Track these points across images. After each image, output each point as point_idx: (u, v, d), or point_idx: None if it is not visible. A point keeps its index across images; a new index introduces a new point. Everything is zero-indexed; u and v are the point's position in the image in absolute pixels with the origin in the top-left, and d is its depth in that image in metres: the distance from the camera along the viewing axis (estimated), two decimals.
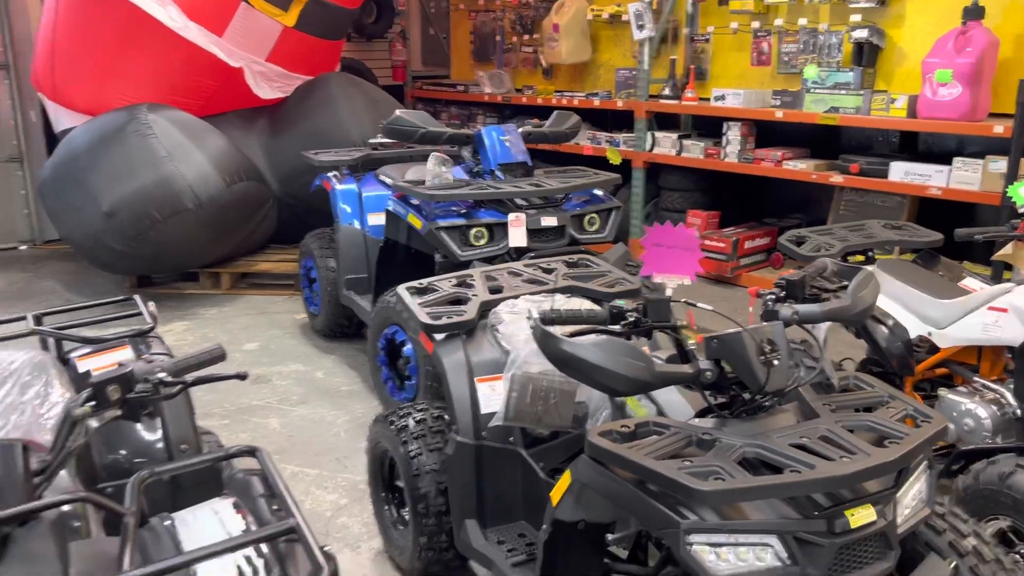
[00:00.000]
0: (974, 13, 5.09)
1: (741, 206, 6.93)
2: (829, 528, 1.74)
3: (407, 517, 2.79)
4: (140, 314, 2.46)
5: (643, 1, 6.56)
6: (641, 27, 6.60)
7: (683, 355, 2.05)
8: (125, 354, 2.29)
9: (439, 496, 2.64)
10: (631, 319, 2.00)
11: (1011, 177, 4.15)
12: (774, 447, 1.80)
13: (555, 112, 4.66)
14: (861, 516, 1.77)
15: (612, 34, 7.65)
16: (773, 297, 2.14)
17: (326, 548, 1.35)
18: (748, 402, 1.96)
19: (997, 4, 5.21)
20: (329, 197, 4.83)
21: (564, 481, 2.02)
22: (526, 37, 8.46)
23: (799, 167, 6.02)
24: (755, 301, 2.17)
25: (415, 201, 4.02)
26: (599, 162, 7.17)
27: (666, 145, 6.86)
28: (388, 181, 4.34)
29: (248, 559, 1.39)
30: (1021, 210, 2.82)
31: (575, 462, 1.98)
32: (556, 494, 2.04)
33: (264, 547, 1.42)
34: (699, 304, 2.02)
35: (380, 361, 3.98)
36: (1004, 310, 2.93)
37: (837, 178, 5.78)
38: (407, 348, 3.72)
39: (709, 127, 6.77)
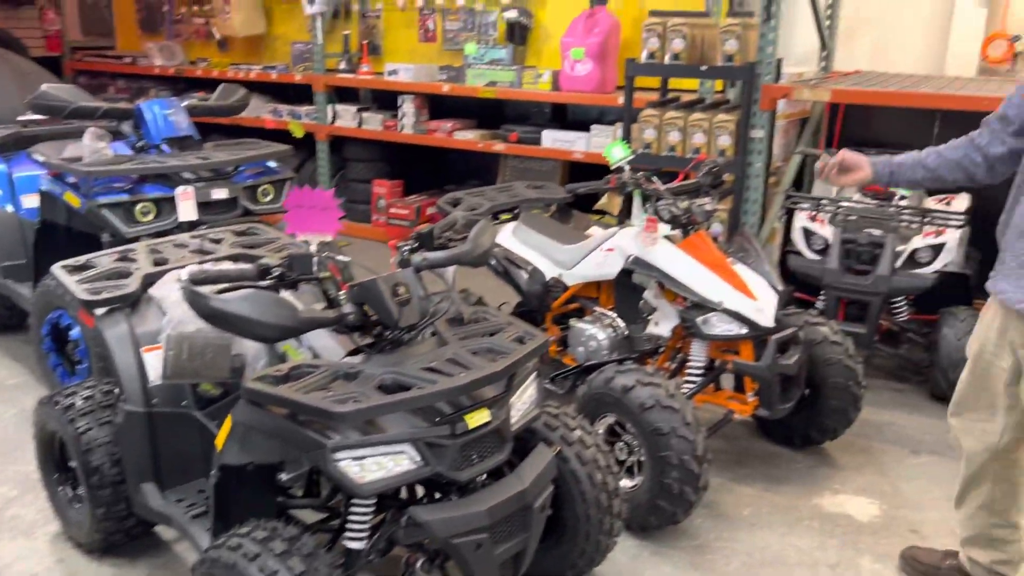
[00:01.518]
0: None
1: (424, 174, 7.36)
2: (452, 431, 2.12)
3: (83, 493, 2.80)
4: None
5: None
6: (311, 2, 6.72)
7: (330, 303, 2.32)
8: None
9: (113, 467, 2.69)
10: (277, 273, 2.23)
11: (625, 136, 4.92)
12: (407, 372, 2.14)
13: (221, 85, 4.68)
14: (477, 418, 2.17)
15: (287, 8, 7.66)
16: (408, 248, 2.47)
17: None
18: (388, 338, 2.27)
19: None
20: None
21: (226, 426, 2.21)
22: (196, 8, 8.17)
23: (467, 137, 6.55)
24: (395, 252, 2.49)
25: (72, 179, 3.88)
26: (282, 135, 7.23)
27: (347, 118, 7.08)
28: (41, 159, 4.11)
29: None
30: (612, 167, 3.44)
31: (235, 407, 2.18)
32: (220, 440, 2.23)
33: None
34: (338, 256, 2.29)
35: (46, 348, 3.82)
36: (612, 250, 3.56)
37: (500, 146, 6.38)
38: (74, 331, 3.62)
39: (386, 100, 7.08)
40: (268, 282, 2.22)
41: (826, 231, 4.35)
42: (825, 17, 5.34)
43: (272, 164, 4.38)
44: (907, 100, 4.31)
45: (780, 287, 3.39)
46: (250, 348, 2.50)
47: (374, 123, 6.95)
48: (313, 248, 2.30)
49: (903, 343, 4.44)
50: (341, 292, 2.27)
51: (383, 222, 7.00)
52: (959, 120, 5.25)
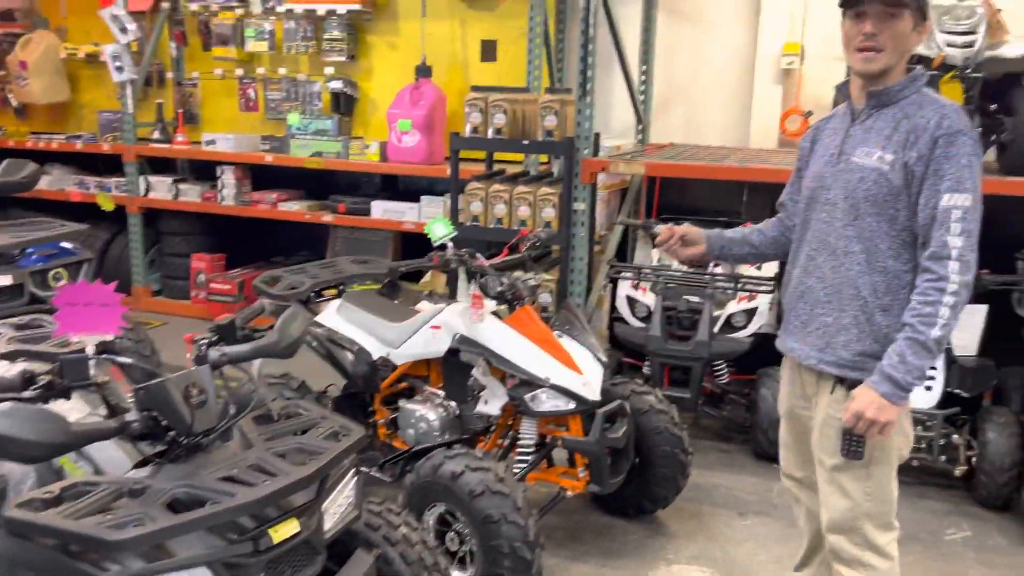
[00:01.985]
0: (424, 71, 5.89)
1: (248, 247, 7.04)
2: (255, 548, 1.91)
3: None
4: None
5: (120, 43, 6.31)
6: (120, 69, 6.35)
7: (112, 410, 2.07)
8: None
9: None
10: (43, 382, 1.96)
11: (453, 211, 4.89)
12: (202, 484, 1.92)
13: (6, 160, 4.26)
14: (285, 531, 1.97)
15: (93, 74, 7.22)
16: (205, 342, 2.26)
17: None
18: (182, 445, 2.04)
19: (443, 64, 6.11)
20: None
21: None
22: None
23: (293, 208, 6.34)
24: (191, 347, 2.28)
25: None
26: (90, 209, 6.73)
27: (162, 189, 6.68)
28: None
29: None
30: (435, 244, 3.37)
31: None
32: None
33: None
34: (119, 358, 2.05)
35: None
36: (439, 327, 3.46)
37: (328, 217, 6.21)
38: None
39: (205, 171, 6.76)
40: (33, 392, 1.95)
41: (648, 299, 4.47)
42: (639, 92, 5.60)
43: (67, 245, 4.01)
44: (714, 173, 4.54)
45: (605, 359, 3.41)
46: (15, 467, 2.19)
47: (192, 194, 6.60)
48: (90, 350, 2.06)
49: (726, 404, 4.59)
50: (127, 396, 2.04)
51: (203, 298, 6.60)
52: (764, 188, 5.68)
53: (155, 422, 2.01)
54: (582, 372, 3.24)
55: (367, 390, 3.69)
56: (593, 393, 3.22)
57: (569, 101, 4.61)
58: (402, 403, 3.59)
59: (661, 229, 2.70)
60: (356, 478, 2.32)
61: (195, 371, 2.09)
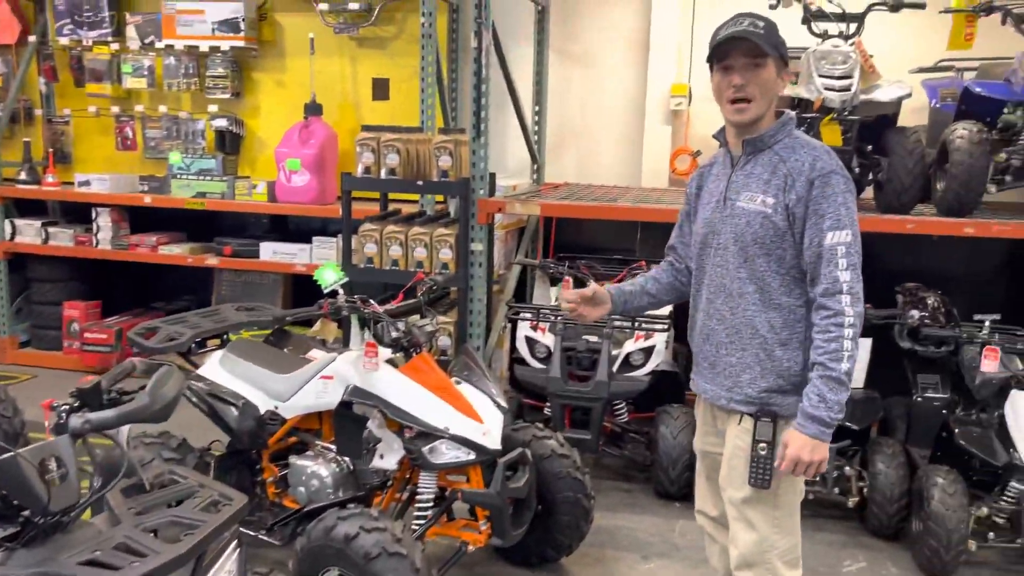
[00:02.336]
0: (314, 109, 5.74)
1: (127, 293, 6.64)
2: None
3: None
4: None
5: None
6: None
7: None
8: None
9: None
10: None
11: (346, 253, 4.74)
12: (61, 570, 1.71)
13: None
14: None
15: None
16: (66, 408, 2.05)
17: None
18: (39, 526, 1.82)
19: (333, 102, 5.98)
20: None
21: None
22: None
23: (175, 251, 6.02)
24: (49, 414, 2.05)
25: None
26: None
27: (30, 233, 6.24)
28: None
29: None
30: (326, 290, 3.22)
31: None
32: None
33: None
34: None
35: None
36: (330, 377, 3.30)
37: (213, 260, 5.92)
38: None
39: (79, 213, 6.35)
40: None
41: (547, 339, 4.42)
42: (533, 133, 5.61)
43: None
44: (607, 213, 4.57)
45: (506, 404, 3.32)
46: None
47: (63, 238, 6.19)
48: None
49: (627, 444, 4.57)
50: None
51: (77, 349, 6.17)
52: (657, 227, 5.76)
53: (4, 502, 1.79)
54: (482, 420, 3.14)
55: (254, 447, 3.48)
56: (494, 442, 3.12)
57: (463, 141, 4.56)
58: (292, 459, 3.39)
59: (567, 299, 2.64)
60: (238, 551, 2.14)
61: (53, 442, 1.87)
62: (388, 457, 3.19)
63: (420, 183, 4.58)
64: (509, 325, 4.80)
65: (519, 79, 5.61)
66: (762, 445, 2.29)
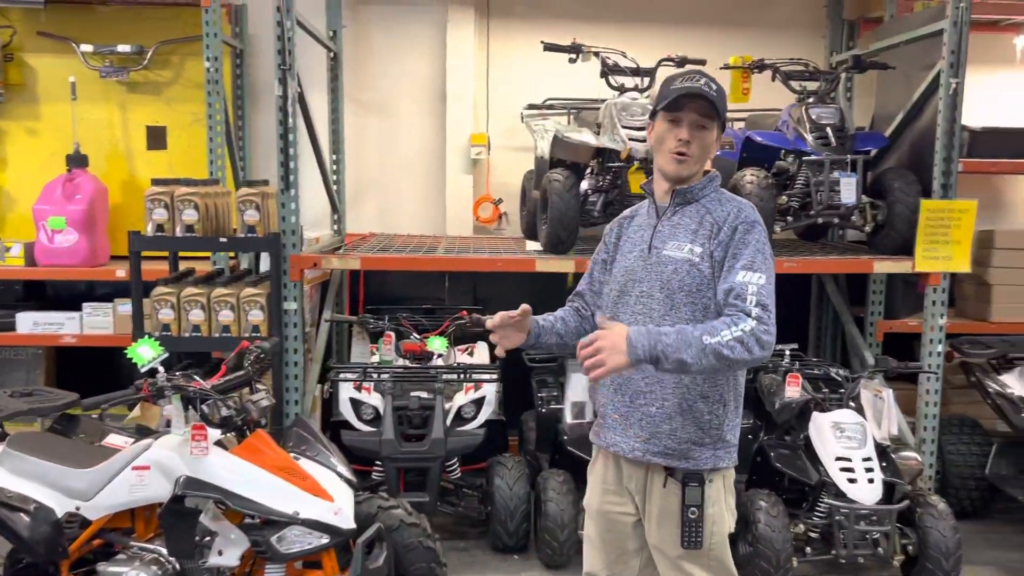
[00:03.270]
0: (78, 161, 5.11)
1: None
2: None
3: None
4: None
5: None
6: None
7: None
8: None
9: None
10: None
11: (137, 319, 4.22)
12: None
13: None
14: None
15: None
16: None
17: None
18: None
19: (100, 152, 5.37)
20: None
21: None
22: None
23: None
24: None
25: None
26: None
27: None
28: None
29: None
30: (143, 368, 2.82)
31: None
32: None
33: None
34: None
35: None
36: (146, 467, 2.87)
37: None
38: None
39: None
40: None
41: (374, 399, 4.20)
42: (332, 182, 5.38)
43: None
44: (431, 264, 4.45)
45: (353, 478, 3.08)
46: None
47: None
48: None
49: (461, 499, 4.43)
50: None
51: None
52: (465, 276, 5.75)
53: None
54: (333, 499, 2.88)
55: (52, 557, 2.94)
56: (347, 521, 2.88)
57: (270, 193, 4.25)
58: (101, 568, 2.91)
59: (486, 320, 2.47)
60: None
61: None
62: (228, 552, 2.82)
63: (224, 240, 4.19)
64: (329, 388, 4.51)
65: (315, 128, 5.37)
66: (692, 509, 2.27)
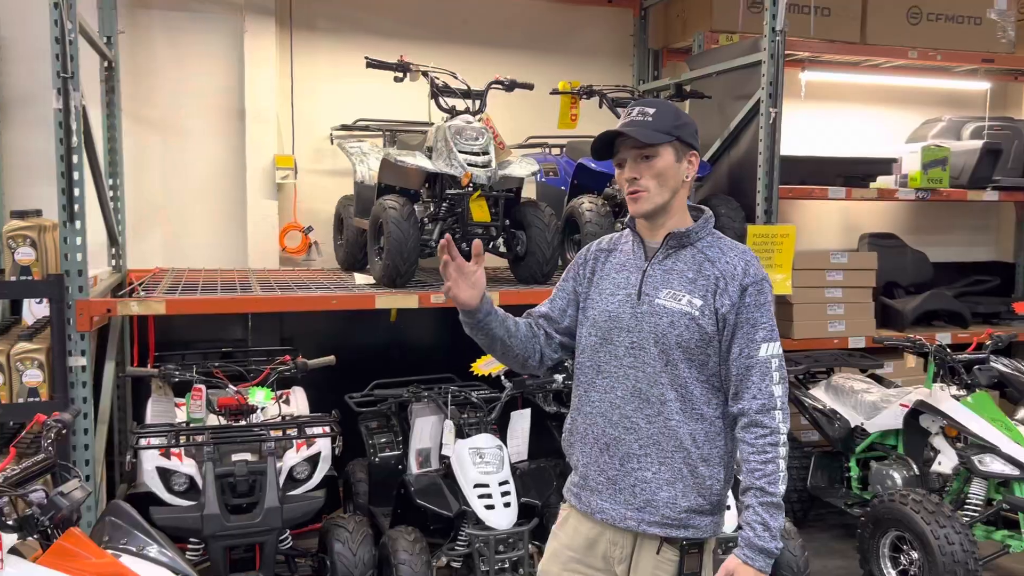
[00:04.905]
0: None
1: None
2: None
3: None
4: None
5: None
6: None
7: None
8: None
9: None
10: None
11: None
12: None
13: None
14: None
15: None
16: None
17: None
18: None
19: None
20: None
21: None
22: None
23: None
24: None
25: None
26: None
27: None
28: None
29: None
30: None
31: None
32: None
33: None
34: None
35: None
36: None
37: None
38: None
39: None
40: None
41: (188, 467, 3.56)
42: (112, 211, 4.60)
43: None
44: (256, 305, 3.90)
45: (191, 572, 2.52)
46: None
47: None
48: None
49: (294, 571, 3.89)
50: None
51: None
52: (270, 315, 5.15)
53: None
54: None
55: None
56: None
57: (47, 226, 3.49)
58: None
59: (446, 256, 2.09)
60: None
61: None
62: None
63: None
64: (131, 456, 3.78)
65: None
66: None
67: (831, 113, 6.34)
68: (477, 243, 2.13)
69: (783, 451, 2.05)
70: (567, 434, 2.30)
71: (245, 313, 5.06)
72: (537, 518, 3.86)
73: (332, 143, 5.25)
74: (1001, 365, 4.59)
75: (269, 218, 5.22)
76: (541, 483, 4.06)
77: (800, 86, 5.70)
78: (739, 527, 2.06)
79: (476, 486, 3.67)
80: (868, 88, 6.36)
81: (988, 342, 4.47)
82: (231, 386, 3.90)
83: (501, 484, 3.71)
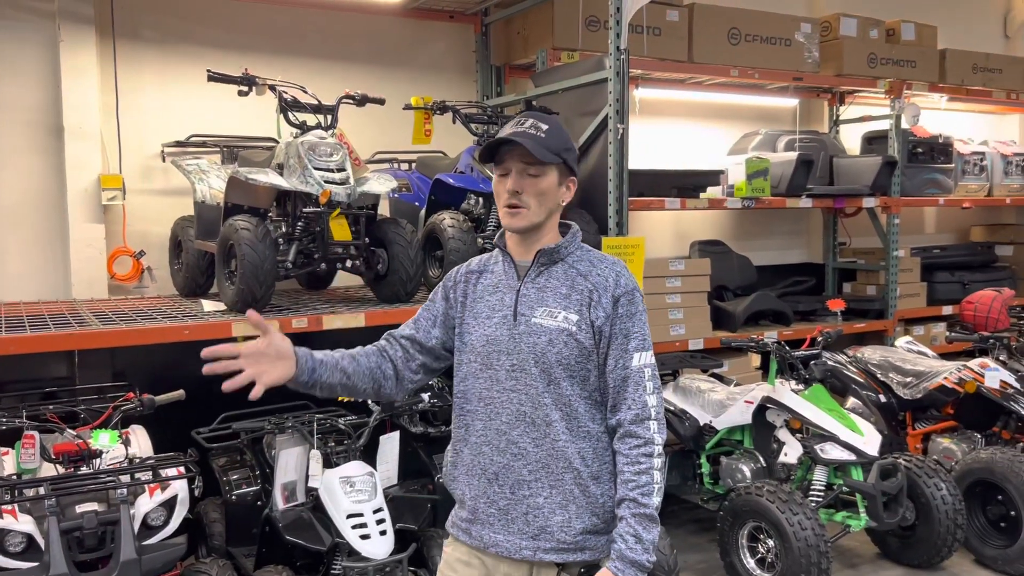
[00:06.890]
0: None
1: None
2: None
3: None
4: None
5: None
6: None
7: None
8: None
9: None
10: None
11: None
12: None
13: None
14: None
15: None
16: None
17: None
18: None
19: None
20: None
21: None
22: None
23: None
24: None
25: None
26: None
27: None
28: None
29: None
30: None
31: None
32: None
33: None
34: None
35: None
36: None
37: None
38: None
39: None
40: None
41: (25, 524, 3.16)
42: None
43: None
44: (96, 340, 3.53)
45: None
46: None
47: None
48: None
49: None
50: None
51: None
52: (100, 350, 4.70)
53: None
54: None
55: None
56: None
57: None
58: None
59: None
60: None
61: None
62: None
63: None
64: None
65: None
66: None
67: (663, 128, 6.69)
68: (252, 314, 2.00)
69: (658, 462, 2.02)
70: (450, 467, 2.23)
71: (72, 354, 4.60)
72: (414, 543, 3.77)
73: (164, 160, 4.91)
74: (830, 360, 5.00)
75: (95, 243, 4.78)
76: (415, 508, 3.97)
77: (635, 102, 5.96)
78: (611, 539, 2.01)
79: (349, 516, 3.52)
80: (695, 104, 6.76)
81: (820, 338, 4.85)
82: (69, 429, 3.53)
83: (376, 512, 3.58)
